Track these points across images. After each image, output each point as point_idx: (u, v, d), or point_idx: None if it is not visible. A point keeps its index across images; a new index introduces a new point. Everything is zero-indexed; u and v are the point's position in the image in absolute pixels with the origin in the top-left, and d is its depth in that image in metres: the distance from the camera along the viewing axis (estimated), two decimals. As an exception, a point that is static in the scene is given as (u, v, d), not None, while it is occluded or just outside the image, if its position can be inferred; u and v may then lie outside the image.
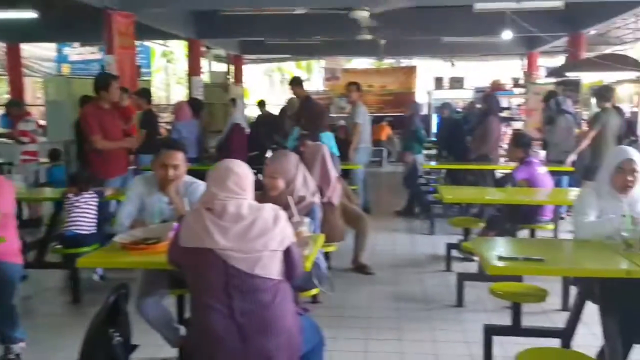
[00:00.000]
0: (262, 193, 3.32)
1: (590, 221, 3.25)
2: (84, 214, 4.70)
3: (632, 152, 3.35)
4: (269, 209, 2.45)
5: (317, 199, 3.39)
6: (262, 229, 2.37)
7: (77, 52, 15.84)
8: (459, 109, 11.72)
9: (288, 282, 2.49)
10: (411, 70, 18.25)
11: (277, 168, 3.28)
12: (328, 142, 6.65)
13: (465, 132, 8.49)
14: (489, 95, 8.11)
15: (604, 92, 6.95)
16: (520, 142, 5.53)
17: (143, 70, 14.75)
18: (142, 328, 3.33)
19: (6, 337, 3.56)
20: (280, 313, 2.36)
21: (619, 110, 7.05)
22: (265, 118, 10.90)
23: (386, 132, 15.30)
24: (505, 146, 7.76)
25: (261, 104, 11.93)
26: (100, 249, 3.71)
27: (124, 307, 2.69)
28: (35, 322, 4.25)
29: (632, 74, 8.84)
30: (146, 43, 15.90)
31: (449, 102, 9.13)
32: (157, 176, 3.47)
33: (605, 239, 3.13)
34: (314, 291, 3.57)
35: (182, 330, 3.33)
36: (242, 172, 2.51)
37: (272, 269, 2.38)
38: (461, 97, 13.49)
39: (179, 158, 3.45)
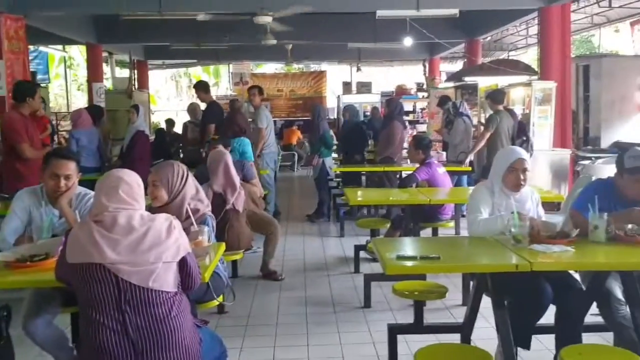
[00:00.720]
0: (149, 205, 3.21)
1: (483, 218, 3.39)
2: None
3: (522, 152, 3.54)
4: (162, 219, 2.35)
5: (209, 210, 3.33)
6: (154, 240, 2.27)
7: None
8: (368, 113, 11.99)
9: (185, 294, 2.41)
10: (321, 75, 18.45)
11: (159, 177, 3.18)
12: (240, 148, 6.53)
13: (365, 135, 8.70)
14: (392, 100, 8.35)
15: (496, 95, 7.33)
16: (420, 144, 5.72)
17: (39, 77, 13.95)
18: (33, 351, 3.12)
19: None
20: (177, 326, 2.27)
21: (511, 112, 7.45)
22: (171, 134, 10.68)
23: (297, 136, 15.39)
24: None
25: (169, 122, 11.65)
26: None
27: (4, 331, 2.50)
28: None
29: (524, 78, 9.39)
30: (43, 48, 15.06)
31: (352, 105, 9.31)
32: (47, 187, 3.26)
33: (497, 235, 3.28)
34: (215, 302, 3.48)
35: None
36: (134, 182, 2.40)
37: (167, 281, 2.28)
38: (369, 102, 13.82)
39: (71, 168, 3.27)
